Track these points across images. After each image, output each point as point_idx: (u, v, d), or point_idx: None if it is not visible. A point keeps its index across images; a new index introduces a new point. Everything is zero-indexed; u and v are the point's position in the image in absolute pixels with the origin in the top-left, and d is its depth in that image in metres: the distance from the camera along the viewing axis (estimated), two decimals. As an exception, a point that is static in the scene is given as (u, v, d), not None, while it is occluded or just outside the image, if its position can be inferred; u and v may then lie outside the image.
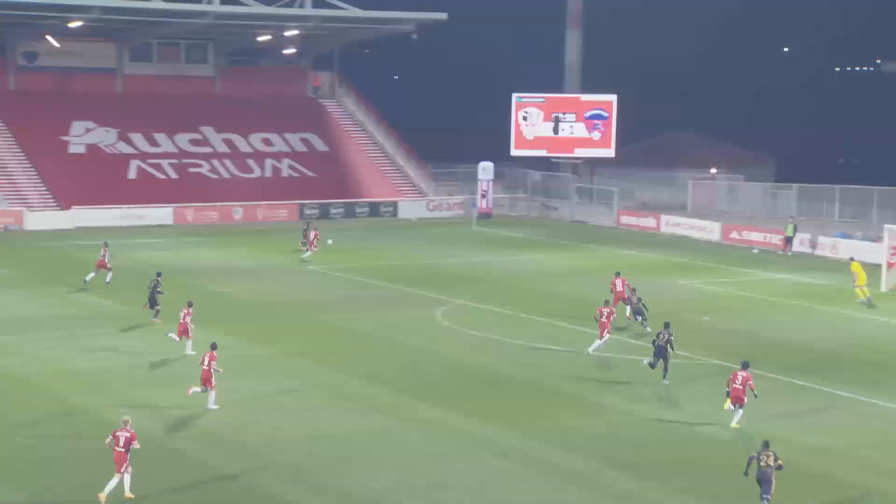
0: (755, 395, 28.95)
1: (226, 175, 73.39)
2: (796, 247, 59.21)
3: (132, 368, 34.04)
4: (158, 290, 39.72)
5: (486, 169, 72.41)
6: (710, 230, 64.20)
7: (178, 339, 35.24)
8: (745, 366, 29.39)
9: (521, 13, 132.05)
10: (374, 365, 34.92)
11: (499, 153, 77.74)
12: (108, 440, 23.70)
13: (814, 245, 59.06)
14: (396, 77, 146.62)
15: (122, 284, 45.15)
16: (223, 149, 75.26)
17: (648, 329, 38.30)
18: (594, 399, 31.75)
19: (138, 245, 57.91)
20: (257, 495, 24.60)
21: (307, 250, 53.87)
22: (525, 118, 76.38)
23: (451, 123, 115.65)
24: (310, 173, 75.16)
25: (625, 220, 69.16)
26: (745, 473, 23.83)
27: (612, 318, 36.06)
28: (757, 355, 36.55)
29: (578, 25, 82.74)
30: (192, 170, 72.96)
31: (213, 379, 29.51)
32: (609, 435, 28.60)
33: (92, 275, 45.43)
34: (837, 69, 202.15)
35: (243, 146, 75.96)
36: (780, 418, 30.04)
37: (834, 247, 58.17)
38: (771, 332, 40.35)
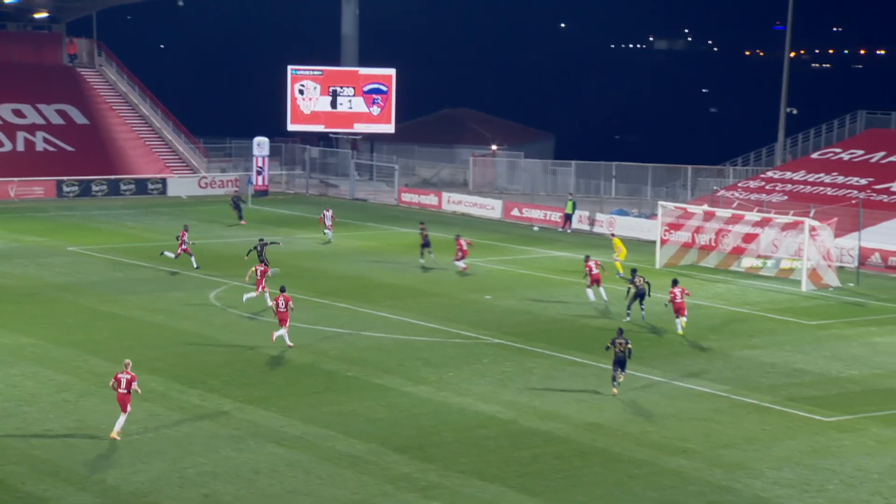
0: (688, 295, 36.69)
1: (-29, 149, 68.63)
2: (575, 224, 59.92)
3: None
4: None
5: (261, 144, 70.30)
6: (491, 208, 64.33)
7: None
8: (675, 283, 36.93)
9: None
10: (142, 351, 33.25)
11: (275, 128, 75.82)
12: (111, 382, 26.11)
13: (592, 222, 59.90)
14: (162, 46, 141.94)
15: None
16: (-34, 120, 70.36)
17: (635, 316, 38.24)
18: (375, 382, 30.95)
19: None
20: (10, 493, 22.94)
21: (326, 231, 52.58)
22: (301, 92, 74.62)
23: (223, 97, 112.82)
24: (68, 147, 71.13)
25: (406, 197, 68.58)
26: (606, 348, 30.05)
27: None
28: (538, 333, 36.62)
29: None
30: (-68, 143, 67.98)
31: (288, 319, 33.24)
32: (390, 418, 27.98)
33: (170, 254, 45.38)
34: (612, 46, 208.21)
35: (-10, 118, 71.26)
36: (558, 395, 29.94)
37: (611, 223, 59.13)
38: (551, 309, 40.39)
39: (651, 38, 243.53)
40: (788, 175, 62.74)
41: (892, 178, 59.49)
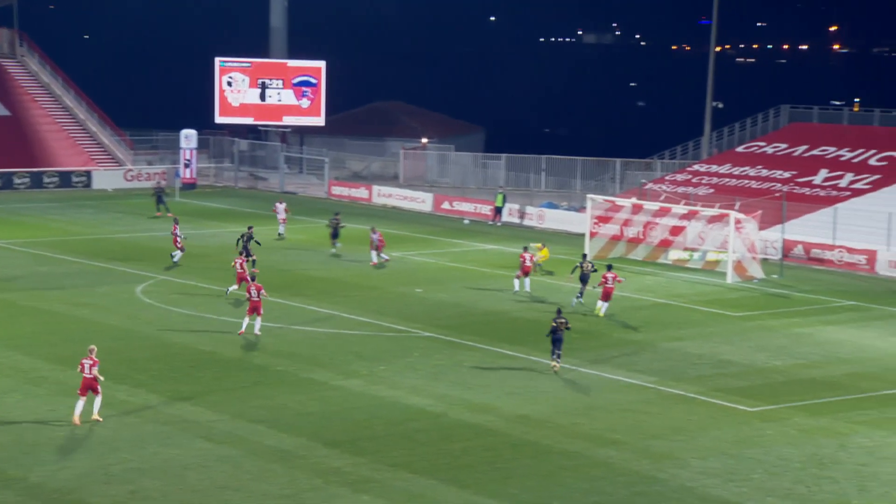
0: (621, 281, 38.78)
1: None
2: (505, 217, 60.14)
3: None
4: None
5: (188, 137, 69.53)
6: (422, 201, 64.31)
7: None
8: (609, 268, 38.64)
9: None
10: (66, 347, 32.72)
11: (203, 120, 75.04)
12: (79, 368, 26.59)
13: (522, 215, 60.16)
14: (87, 37, 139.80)
15: None
16: None
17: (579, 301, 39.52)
18: (306, 376, 30.81)
19: None
20: (-72, 497, 22.32)
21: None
22: (230, 84, 73.92)
23: (150, 88, 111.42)
24: (-13, 139, 69.81)
25: (336, 190, 68.31)
26: (547, 335, 31.45)
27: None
28: (468, 326, 36.68)
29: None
30: None
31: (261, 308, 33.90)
32: (321, 412, 27.87)
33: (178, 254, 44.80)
34: (541, 40, 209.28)
35: None
36: (489, 387, 30.05)
37: (541, 216, 59.44)
38: (481, 303, 40.52)
39: (579, 32, 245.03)
40: (714, 168, 63.53)
41: (815, 171, 60.53)
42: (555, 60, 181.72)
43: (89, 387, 26.43)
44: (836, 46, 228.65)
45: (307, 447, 25.46)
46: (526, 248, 42.33)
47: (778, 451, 26.03)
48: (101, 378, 26.69)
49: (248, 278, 37.22)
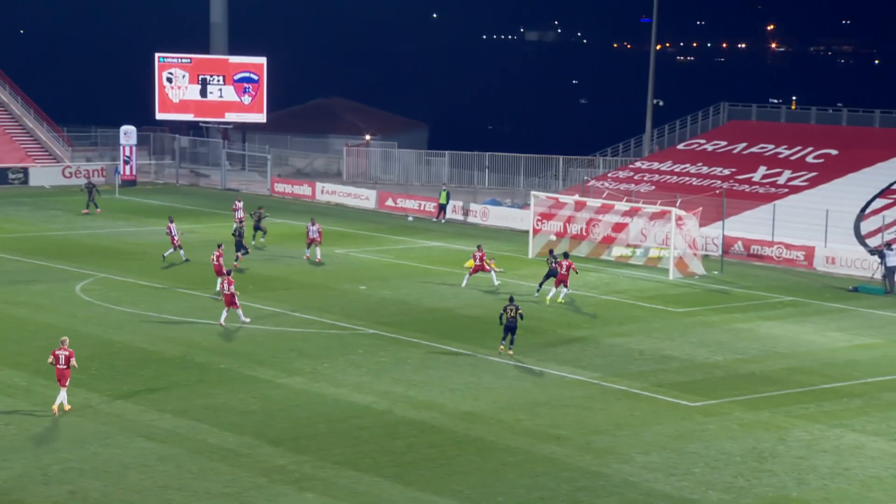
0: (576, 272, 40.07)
1: None
2: (449, 214, 60.18)
3: None
4: None
5: (128, 133, 68.78)
6: (365, 198, 64.17)
7: None
8: (566, 255, 40.19)
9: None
10: (3, 345, 32.40)
11: (143, 117, 74.27)
12: (49, 360, 27.08)
13: (466, 212, 60.23)
14: (22, 31, 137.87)
15: None
16: None
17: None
18: (248, 373, 30.61)
19: None
20: None
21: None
22: (170, 80, 73.23)
23: (88, 84, 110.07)
24: (-83, 136, 68.55)
25: (279, 187, 67.93)
26: (500, 323, 32.37)
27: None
28: (412, 323, 36.66)
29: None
30: None
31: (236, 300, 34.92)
32: (264, 410, 27.70)
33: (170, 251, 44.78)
34: (484, 37, 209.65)
35: None
36: (433, 384, 30.05)
37: (485, 213, 59.56)
38: (425, 300, 40.52)
39: (522, 30, 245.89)
40: (656, 165, 64.05)
41: (754, 168, 61.23)
42: (497, 58, 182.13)
43: (64, 377, 27.03)
44: (773, 45, 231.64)
45: (250, 445, 25.29)
46: (480, 247, 42.70)
47: (718, 445, 26.30)
48: (77, 366, 27.32)
49: (225, 272, 38.17)
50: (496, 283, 41.77)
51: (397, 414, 27.67)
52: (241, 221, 48.58)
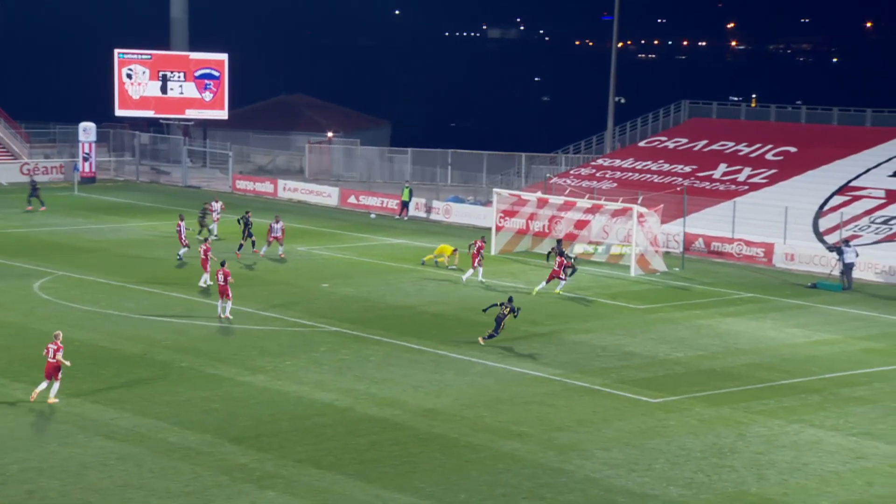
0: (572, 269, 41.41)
1: None
2: (412, 211, 60.15)
3: None
4: None
5: (87, 130, 68.18)
6: (327, 195, 64.01)
7: None
8: (561, 252, 41.53)
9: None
10: (-38, 344, 31.80)
11: (102, 113, 73.67)
12: (44, 352, 27.36)
13: (429, 209, 60.23)
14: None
15: None
16: None
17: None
18: (210, 372, 30.45)
19: None
20: None
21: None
22: (130, 76, 72.69)
23: (47, 80, 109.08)
24: None
25: (241, 184, 67.62)
26: (483, 311, 34.01)
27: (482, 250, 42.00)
28: (375, 320, 36.63)
29: (184, -22, 79.63)
30: None
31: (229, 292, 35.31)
32: (225, 408, 27.58)
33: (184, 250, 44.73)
34: (446, 34, 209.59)
35: None
36: (395, 381, 30.03)
37: (448, 211, 59.57)
38: (388, 297, 40.48)
39: (484, 27, 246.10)
40: (618, 163, 64.32)
41: (714, 165, 61.62)
42: (459, 55, 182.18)
43: (52, 370, 27.24)
44: (733, 43, 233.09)
45: (212, 444, 25.17)
46: (479, 239, 43.52)
47: (679, 440, 26.46)
48: (68, 363, 27.51)
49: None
50: (481, 279, 42.28)
51: (360, 411, 27.63)
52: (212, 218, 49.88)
